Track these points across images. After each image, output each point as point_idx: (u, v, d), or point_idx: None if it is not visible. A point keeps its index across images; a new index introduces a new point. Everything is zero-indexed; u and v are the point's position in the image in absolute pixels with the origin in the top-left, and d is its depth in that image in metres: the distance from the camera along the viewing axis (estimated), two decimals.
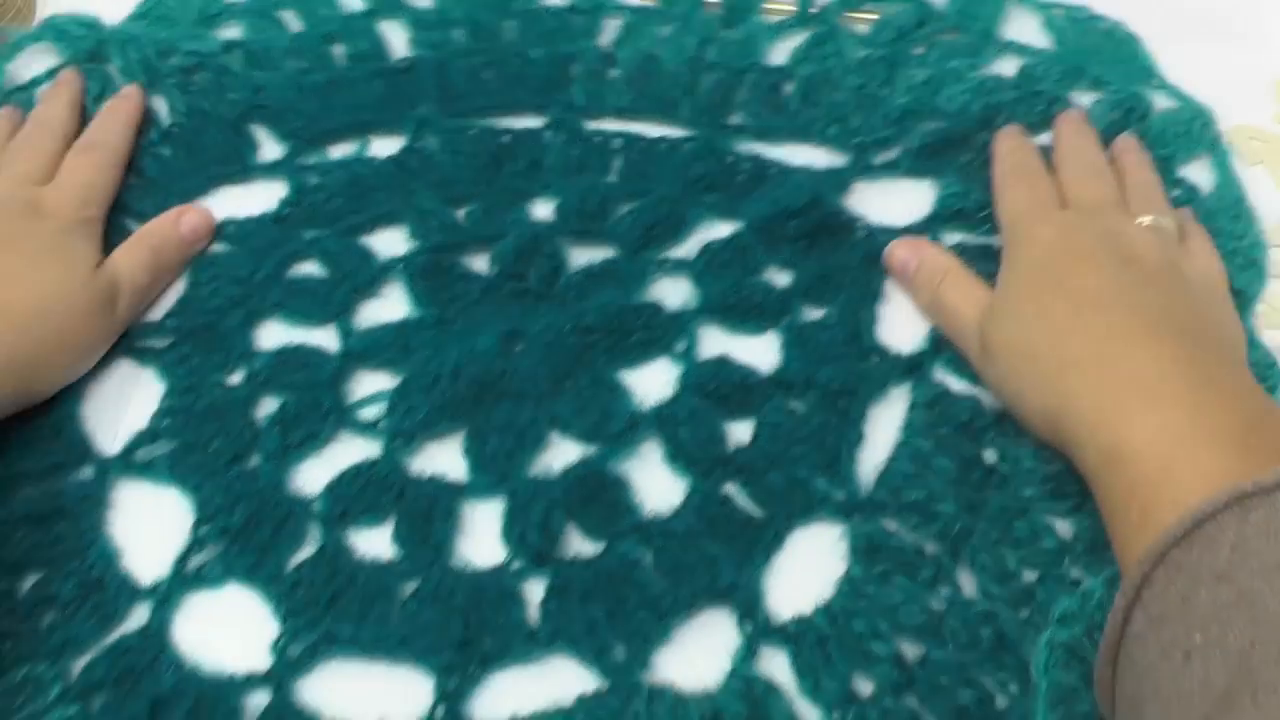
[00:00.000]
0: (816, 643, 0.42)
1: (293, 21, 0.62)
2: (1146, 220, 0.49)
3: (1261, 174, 0.55)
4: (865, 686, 0.42)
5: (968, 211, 0.53)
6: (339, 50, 0.61)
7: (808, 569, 0.44)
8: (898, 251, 0.52)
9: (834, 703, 0.41)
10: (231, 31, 0.62)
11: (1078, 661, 0.40)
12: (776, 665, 0.42)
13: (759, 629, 0.43)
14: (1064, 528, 0.44)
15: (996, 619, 0.43)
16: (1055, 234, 0.48)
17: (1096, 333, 0.44)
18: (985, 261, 0.51)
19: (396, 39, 0.61)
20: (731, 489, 0.46)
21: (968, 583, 0.44)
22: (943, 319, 0.50)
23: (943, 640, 0.42)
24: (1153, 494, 0.38)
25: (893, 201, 0.54)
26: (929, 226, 0.53)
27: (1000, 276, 0.49)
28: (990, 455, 0.46)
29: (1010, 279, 0.48)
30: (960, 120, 0.56)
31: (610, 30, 0.61)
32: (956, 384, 0.49)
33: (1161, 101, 0.57)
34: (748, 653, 0.43)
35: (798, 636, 0.43)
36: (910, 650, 0.42)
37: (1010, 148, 0.54)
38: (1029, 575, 0.44)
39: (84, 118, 0.57)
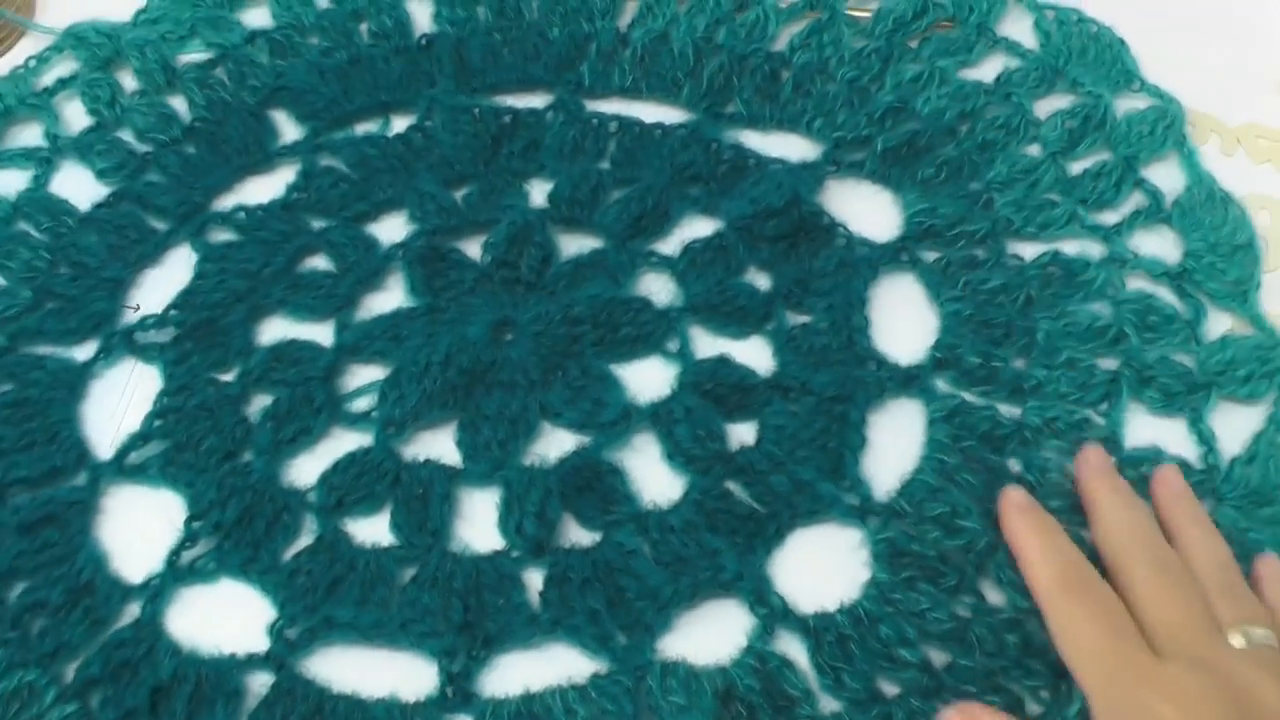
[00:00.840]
0: (837, 641, 0.38)
1: None
2: (1238, 640, 0.35)
3: (1269, 171, 0.51)
4: (890, 688, 0.38)
5: (939, 229, 0.48)
6: (364, 27, 0.56)
7: (816, 569, 0.40)
8: None
9: (859, 701, 0.37)
10: (261, 10, 0.57)
11: None
12: (792, 652, 0.38)
13: (775, 613, 0.39)
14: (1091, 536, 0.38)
15: (1022, 626, 0.38)
16: (1171, 715, 0.33)
17: None
18: (970, 270, 0.47)
19: (422, 15, 0.56)
20: (732, 487, 0.42)
21: (991, 590, 0.39)
22: None
23: (969, 647, 0.38)
24: None
25: (864, 209, 0.49)
26: (904, 245, 0.47)
27: None
28: (1015, 465, 0.41)
29: None
30: (931, 123, 0.51)
31: (631, 10, 0.56)
32: (969, 395, 0.44)
33: (1138, 103, 0.52)
34: (764, 631, 0.39)
35: (818, 632, 0.38)
36: (937, 656, 0.38)
37: (1030, 525, 0.38)
38: None
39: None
